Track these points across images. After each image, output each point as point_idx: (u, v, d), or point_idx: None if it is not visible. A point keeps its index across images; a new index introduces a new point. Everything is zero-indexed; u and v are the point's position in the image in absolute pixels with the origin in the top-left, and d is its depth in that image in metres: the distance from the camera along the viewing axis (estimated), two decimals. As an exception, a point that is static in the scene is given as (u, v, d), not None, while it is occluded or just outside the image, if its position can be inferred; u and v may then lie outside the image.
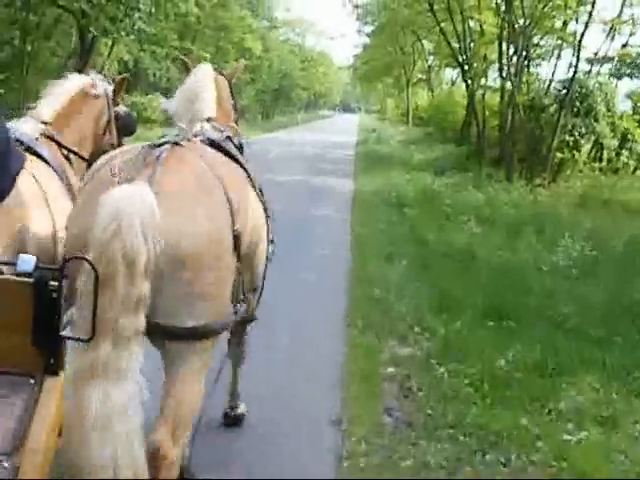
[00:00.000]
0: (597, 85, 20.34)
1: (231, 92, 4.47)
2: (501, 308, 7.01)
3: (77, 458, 2.50)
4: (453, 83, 49.81)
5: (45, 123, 4.20)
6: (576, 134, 19.21)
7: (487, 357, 5.80)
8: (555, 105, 19.90)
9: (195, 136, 3.54)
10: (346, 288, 7.97)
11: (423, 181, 17.69)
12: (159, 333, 2.85)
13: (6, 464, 1.82)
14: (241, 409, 4.64)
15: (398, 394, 5.19)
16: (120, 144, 4.55)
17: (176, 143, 3.14)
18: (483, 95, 28.53)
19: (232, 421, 4.59)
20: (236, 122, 4.41)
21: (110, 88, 4.65)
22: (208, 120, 3.96)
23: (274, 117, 69.17)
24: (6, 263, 2.47)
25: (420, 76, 58.30)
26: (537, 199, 15.82)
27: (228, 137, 3.83)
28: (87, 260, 2.31)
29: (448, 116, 37.52)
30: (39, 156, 3.93)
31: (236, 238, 3.02)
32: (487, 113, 27.61)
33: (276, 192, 4.85)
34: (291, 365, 5.63)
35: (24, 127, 4.07)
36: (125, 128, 4.77)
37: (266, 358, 5.39)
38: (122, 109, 4.76)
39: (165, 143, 3.11)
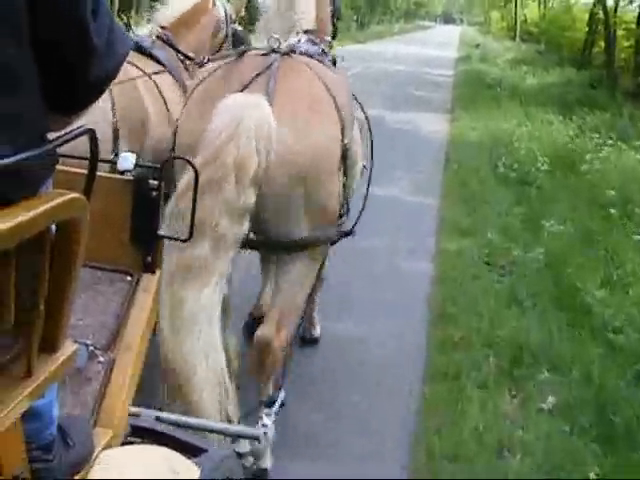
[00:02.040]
0: None
1: None
2: None
3: (170, 352, 2.58)
4: (571, -6, 42.81)
5: (163, 27, 4.19)
6: None
7: None
8: None
9: (294, 50, 3.23)
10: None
11: (548, 127, 12.03)
12: (270, 246, 2.96)
13: (102, 358, 1.83)
14: (316, 332, 4.40)
15: None
16: None
17: (286, 54, 3.06)
18: (615, 8, 22.42)
19: (307, 343, 4.34)
20: (334, 32, 3.94)
21: (229, 7, 4.65)
22: (306, 32, 3.49)
23: (369, 26, 62.87)
24: (108, 161, 2.32)
25: (531, -14, 50.91)
26: None
27: (324, 51, 3.49)
28: (188, 161, 2.17)
29: (566, 33, 31.21)
30: (155, 59, 3.95)
31: (344, 152, 2.95)
32: (619, 32, 21.67)
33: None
34: None
35: (141, 30, 4.21)
36: (239, 45, 4.29)
37: None
38: (237, 27, 4.75)
39: (273, 52, 3.03)
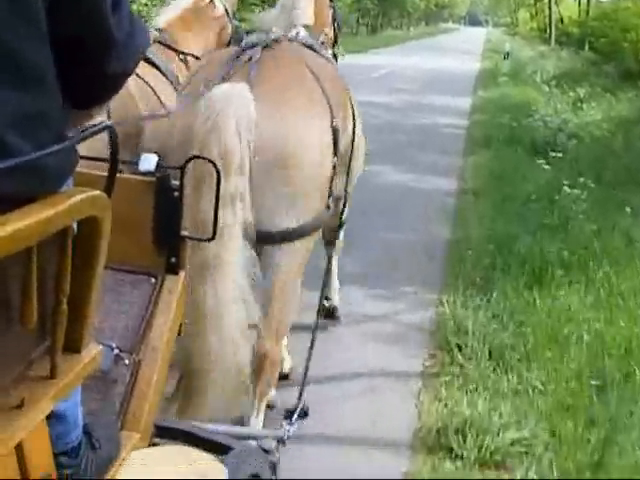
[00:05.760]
0: None
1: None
2: None
3: (193, 348, 2.47)
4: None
5: (159, 30, 4.01)
6: None
7: None
8: None
9: (289, 40, 3.17)
10: None
11: None
12: (257, 239, 2.67)
13: (127, 361, 1.77)
14: (335, 301, 4.25)
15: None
16: None
17: (267, 45, 2.92)
18: None
19: (325, 313, 4.07)
20: (335, 37, 4.05)
21: (226, 3, 4.41)
22: (305, 27, 3.47)
23: (385, 30, 53.35)
24: (128, 162, 2.08)
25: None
26: None
27: (323, 43, 3.57)
28: (211, 162, 2.09)
29: (626, 36, 21.40)
30: (153, 64, 3.78)
31: (335, 133, 2.80)
32: None
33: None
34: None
35: None
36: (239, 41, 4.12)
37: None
38: (236, 23, 4.59)
39: (256, 45, 2.92)
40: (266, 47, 2.88)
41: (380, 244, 5.63)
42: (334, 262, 4.05)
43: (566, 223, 5.97)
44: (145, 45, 1.37)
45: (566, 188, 6.04)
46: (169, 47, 3.98)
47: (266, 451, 2.17)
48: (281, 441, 2.42)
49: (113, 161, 1.33)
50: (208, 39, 4.18)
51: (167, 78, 3.79)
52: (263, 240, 2.68)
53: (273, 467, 2.13)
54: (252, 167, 2.53)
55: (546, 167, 6.87)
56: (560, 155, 8.15)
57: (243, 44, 2.99)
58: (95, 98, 1.33)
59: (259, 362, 2.72)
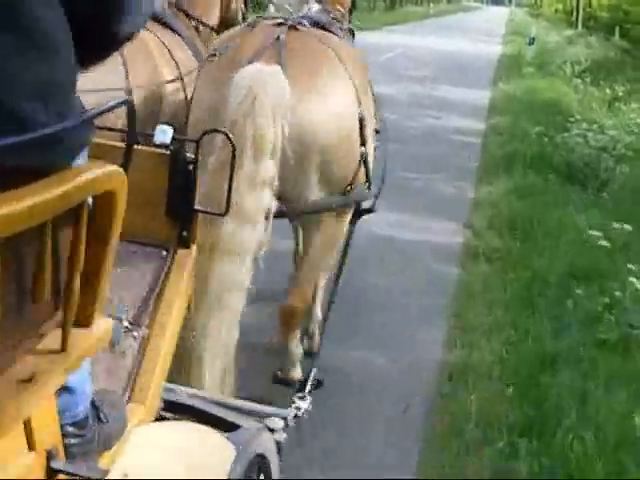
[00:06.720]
0: None
1: None
2: None
3: (192, 328, 2.39)
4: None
5: None
6: None
7: None
8: None
9: (302, 18, 3.06)
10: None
11: None
12: (291, 212, 2.74)
13: (136, 333, 1.73)
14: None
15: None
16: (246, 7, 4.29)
17: (293, 26, 2.83)
18: None
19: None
20: (350, 12, 3.78)
21: None
22: (320, 2, 3.39)
23: (405, 6, 50.67)
24: (144, 134, 2.07)
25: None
26: None
27: (335, 19, 3.32)
28: (226, 134, 2.00)
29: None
30: (169, 27, 3.68)
31: (361, 120, 2.75)
32: None
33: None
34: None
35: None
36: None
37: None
38: None
39: (281, 24, 2.83)
40: (292, 27, 2.79)
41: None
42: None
43: (627, 337, 3.64)
44: (150, 10, 1.32)
45: (633, 280, 3.68)
46: (186, 13, 3.88)
47: (272, 430, 2.03)
48: (285, 419, 2.17)
49: (130, 136, 1.31)
50: (211, 2, 4.05)
51: (186, 43, 3.69)
52: (296, 215, 2.76)
53: (279, 447, 1.99)
54: (285, 151, 2.45)
55: (603, 243, 4.44)
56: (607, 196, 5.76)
57: (267, 20, 2.91)
58: (96, 58, 1.28)
59: (285, 318, 2.82)
